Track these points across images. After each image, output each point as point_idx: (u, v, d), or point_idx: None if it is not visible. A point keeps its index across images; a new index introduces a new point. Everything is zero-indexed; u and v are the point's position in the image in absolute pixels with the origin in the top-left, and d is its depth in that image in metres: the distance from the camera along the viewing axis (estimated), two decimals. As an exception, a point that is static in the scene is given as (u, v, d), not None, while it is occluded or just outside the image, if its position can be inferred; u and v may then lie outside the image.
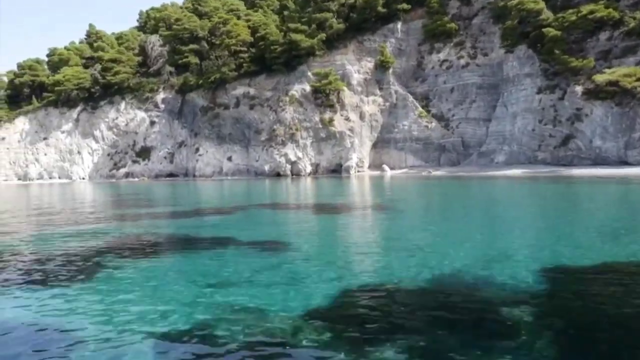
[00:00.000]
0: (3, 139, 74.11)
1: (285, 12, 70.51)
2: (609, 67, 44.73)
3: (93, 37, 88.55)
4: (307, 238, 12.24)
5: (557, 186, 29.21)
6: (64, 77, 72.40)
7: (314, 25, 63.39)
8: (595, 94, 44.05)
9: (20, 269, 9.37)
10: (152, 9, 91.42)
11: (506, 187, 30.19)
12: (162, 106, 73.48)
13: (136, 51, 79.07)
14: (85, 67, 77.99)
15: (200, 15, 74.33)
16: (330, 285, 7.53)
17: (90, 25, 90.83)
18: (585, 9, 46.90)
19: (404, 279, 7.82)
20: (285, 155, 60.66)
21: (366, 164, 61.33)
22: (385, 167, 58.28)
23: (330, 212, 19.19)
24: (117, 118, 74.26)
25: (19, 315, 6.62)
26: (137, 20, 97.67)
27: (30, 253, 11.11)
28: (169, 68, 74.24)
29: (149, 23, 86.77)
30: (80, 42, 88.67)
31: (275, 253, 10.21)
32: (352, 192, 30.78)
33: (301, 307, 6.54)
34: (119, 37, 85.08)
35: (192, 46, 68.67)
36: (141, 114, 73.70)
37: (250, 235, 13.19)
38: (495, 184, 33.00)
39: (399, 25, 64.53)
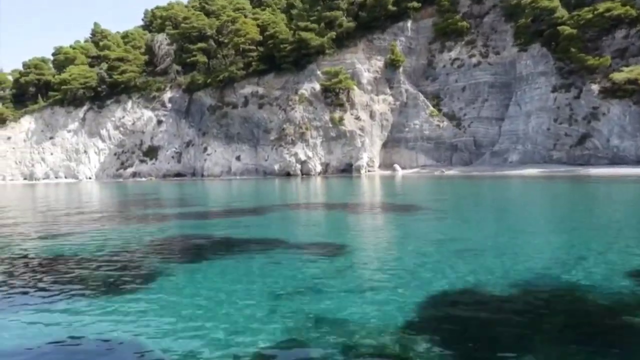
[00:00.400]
0: (9, 138, 73.55)
1: (293, 11, 70.01)
2: (626, 66, 44.15)
3: (98, 36, 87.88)
4: (359, 239, 11.67)
5: (583, 185, 28.65)
6: (70, 75, 71.83)
7: (323, 24, 62.86)
8: (612, 92, 43.51)
9: (75, 276, 8.81)
10: (158, 7, 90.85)
11: (531, 187, 29.61)
12: (169, 105, 72.95)
13: (142, 50, 78.54)
14: (91, 66, 77.43)
15: (208, 14, 73.79)
16: (412, 292, 6.96)
17: (95, 24, 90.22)
18: (601, 6, 46.31)
19: (489, 282, 7.26)
20: (295, 154, 60.09)
21: (376, 164, 60.75)
22: (397, 166, 57.71)
23: (367, 211, 18.63)
24: (123, 117, 73.73)
25: (79, 326, 6.04)
26: (142, 20, 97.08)
27: (72, 257, 10.54)
28: (175, 67, 73.73)
29: (155, 22, 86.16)
30: (86, 41, 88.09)
31: (333, 256, 9.64)
32: (374, 192, 30.21)
33: (388, 316, 5.97)
34: (125, 36, 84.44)
35: (200, 45, 68.15)
36: (148, 113, 73.16)
37: (298, 236, 12.64)
38: (518, 184, 32.42)
39: (409, 23, 64.03)
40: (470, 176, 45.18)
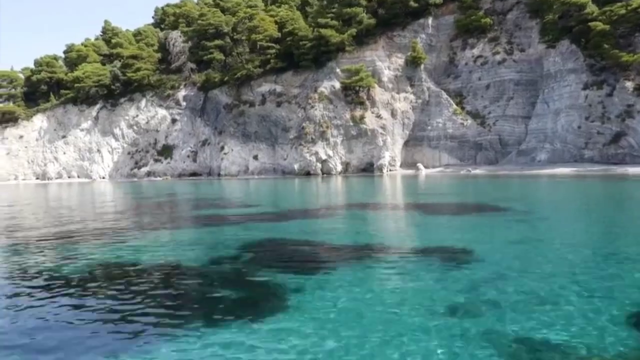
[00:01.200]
0: (21, 137, 72.43)
1: (308, 9, 69.00)
2: (662, 62, 43.11)
3: (109, 33, 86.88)
4: (475, 243, 10.58)
5: (633, 184, 27.63)
6: (83, 73, 70.74)
7: (341, 21, 61.79)
8: (648, 89, 42.47)
9: (184, 294, 7.74)
10: (169, 5, 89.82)
11: (579, 186, 28.57)
12: (183, 104, 71.87)
13: (155, 48, 77.45)
14: (104, 63, 76.37)
15: (223, 11, 72.63)
16: (598, 304, 5.89)
17: (106, 22, 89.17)
18: (635, 1, 45.28)
19: None
20: (316, 153, 59.02)
21: (398, 163, 59.72)
22: (420, 165, 56.64)
23: (446, 212, 17.55)
24: (137, 116, 72.64)
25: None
26: (153, 17, 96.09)
27: (166, 269, 9.45)
28: (190, 65, 72.63)
29: (167, 19, 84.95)
30: (96, 39, 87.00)
31: (464, 263, 8.52)
32: (415, 191, 29.16)
33: (592, 334, 4.95)
34: (137, 34, 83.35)
35: (217, 42, 66.99)
36: (162, 112, 72.09)
37: (401, 240, 11.58)
38: (561, 183, 31.36)
39: (430, 20, 62.98)
40: (499, 175, 44.11)
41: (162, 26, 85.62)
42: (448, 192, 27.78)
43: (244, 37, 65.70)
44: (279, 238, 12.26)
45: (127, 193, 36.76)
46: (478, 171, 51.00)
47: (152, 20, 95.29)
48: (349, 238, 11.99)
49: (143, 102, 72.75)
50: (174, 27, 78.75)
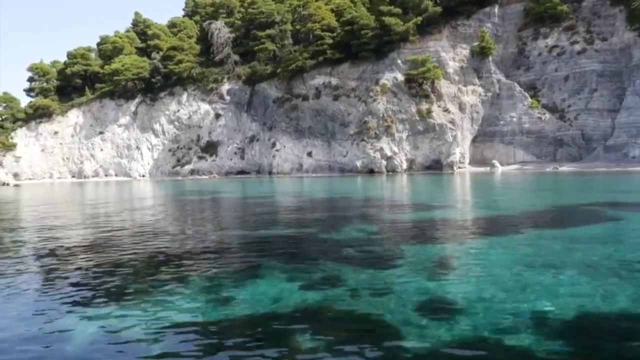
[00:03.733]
0: (56, 133, 68.46)
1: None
2: None
3: (140, 25, 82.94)
4: None
5: None
6: (122, 65, 66.77)
7: (401, 9, 58.07)
8: None
9: None
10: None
11: None
12: (227, 98, 68.06)
13: (194, 39, 73.59)
14: (140, 56, 72.42)
15: (269, -1, 68.78)
16: None
17: (136, 14, 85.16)
18: None
19: None
20: (381, 150, 55.29)
21: (467, 160, 56.06)
22: (496, 162, 52.90)
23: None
24: (178, 111, 68.77)
25: None
26: (183, 9, 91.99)
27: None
28: (234, 57, 68.84)
29: (201, 11, 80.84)
30: (127, 32, 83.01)
31: None
32: (542, 190, 25.42)
33: None
34: (171, 25, 79.42)
35: (268, 31, 63.11)
36: (205, 107, 68.25)
37: None
38: None
39: (496, 9, 59.43)
40: (597, 172, 40.42)
41: (195, 18, 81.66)
42: (585, 190, 23.99)
43: (298, 27, 61.73)
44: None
45: (190, 196, 32.86)
46: (565, 168, 47.29)
47: (182, 13, 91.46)
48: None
49: (184, 97, 68.88)
50: (213, 17, 74.82)
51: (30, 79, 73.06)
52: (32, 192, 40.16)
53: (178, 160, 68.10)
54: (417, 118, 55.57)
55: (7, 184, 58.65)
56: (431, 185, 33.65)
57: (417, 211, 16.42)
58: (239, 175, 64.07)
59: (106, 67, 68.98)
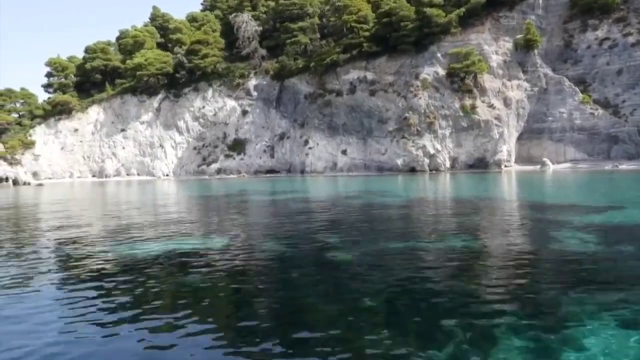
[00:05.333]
0: (76, 130, 65.67)
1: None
2: None
3: (159, 20, 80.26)
4: None
5: None
6: (145, 60, 64.00)
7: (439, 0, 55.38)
8: None
9: None
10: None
11: None
12: (254, 94, 65.33)
13: (217, 33, 70.81)
14: (162, 50, 69.68)
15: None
16: None
17: (155, 8, 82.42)
18: None
19: None
20: (423, 147, 52.61)
21: (512, 158, 53.40)
22: (547, 161, 50.20)
23: None
24: (203, 107, 66.05)
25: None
26: (202, 4, 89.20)
27: None
28: (261, 51, 66.12)
29: (223, 4, 78.01)
30: (145, 26, 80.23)
31: None
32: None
33: None
34: (192, 19, 76.71)
35: (301, 24, 60.34)
36: (231, 103, 65.54)
37: None
38: None
39: (540, 0, 56.73)
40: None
41: (215, 12, 78.82)
42: None
43: (332, 19, 58.98)
44: None
45: (229, 198, 30.05)
46: (624, 167, 44.63)
47: (200, 7, 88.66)
48: None
49: (209, 92, 66.16)
50: (237, 10, 71.99)
51: (49, 74, 70.26)
52: (58, 192, 37.20)
53: (204, 159, 65.35)
54: (461, 114, 52.90)
55: (28, 184, 55.89)
56: (506, 183, 30.90)
57: (589, 213, 13.67)
58: (268, 175, 61.36)
59: (128, 61, 66.21)
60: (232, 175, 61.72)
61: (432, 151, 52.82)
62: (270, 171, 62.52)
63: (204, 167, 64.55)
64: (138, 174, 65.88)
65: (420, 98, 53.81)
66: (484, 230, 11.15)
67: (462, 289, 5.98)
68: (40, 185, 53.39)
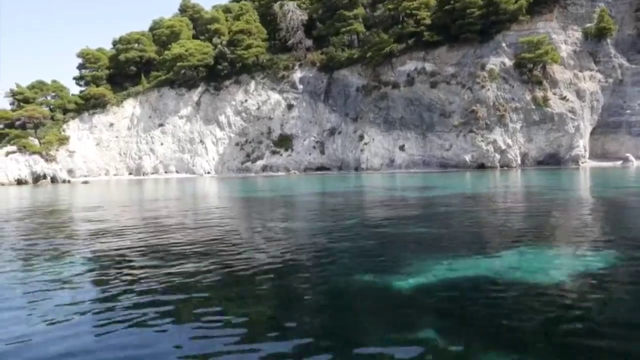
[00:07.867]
0: (111, 125, 62.07)
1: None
2: None
3: (189, 11, 76.70)
4: None
5: None
6: (186, 50, 60.40)
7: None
8: None
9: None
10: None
11: None
12: (300, 86, 61.91)
13: (257, 23, 67.24)
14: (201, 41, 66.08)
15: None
16: None
17: (184, -1, 78.83)
18: None
19: None
20: (494, 142, 49.43)
21: (587, 154, 50.31)
22: (630, 156, 47.16)
23: None
24: (246, 101, 62.56)
25: None
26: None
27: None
28: (307, 41, 62.69)
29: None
30: (175, 16, 76.60)
31: None
32: None
33: None
34: (226, 10, 73.14)
35: (356, 11, 56.94)
36: (275, 96, 62.09)
37: None
38: None
39: (610, -13, 53.68)
40: None
41: (253, 2, 75.17)
42: None
43: (391, 7, 55.63)
44: None
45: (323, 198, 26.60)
46: None
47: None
48: None
49: (252, 85, 62.68)
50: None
51: (80, 66, 66.50)
52: (112, 191, 33.69)
53: (247, 155, 61.88)
54: (533, 107, 49.72)
55: (69, 181, 52.28)
56: (607, 181, 27.70)
57: None
58: (318, 172, 57.99)
59: (166, 52, 62.58)
60: (279, 173, 58.30)
61: (503, 146, 49.63)
62: (320, 168, 59.17)
63: (248, 164, 61.11)
64: (177, 172, 62.34)
65: (488, 90, 50.60)
66: None
67: None
68: (85, 182, 49.75)
